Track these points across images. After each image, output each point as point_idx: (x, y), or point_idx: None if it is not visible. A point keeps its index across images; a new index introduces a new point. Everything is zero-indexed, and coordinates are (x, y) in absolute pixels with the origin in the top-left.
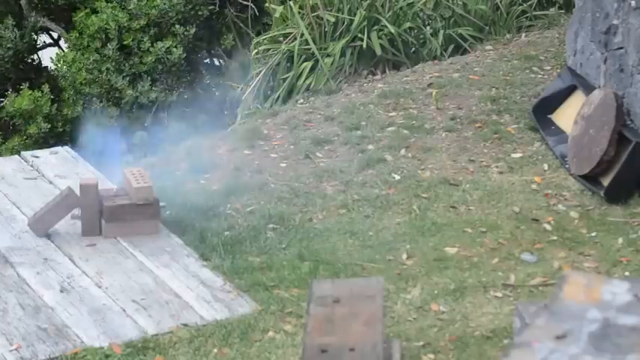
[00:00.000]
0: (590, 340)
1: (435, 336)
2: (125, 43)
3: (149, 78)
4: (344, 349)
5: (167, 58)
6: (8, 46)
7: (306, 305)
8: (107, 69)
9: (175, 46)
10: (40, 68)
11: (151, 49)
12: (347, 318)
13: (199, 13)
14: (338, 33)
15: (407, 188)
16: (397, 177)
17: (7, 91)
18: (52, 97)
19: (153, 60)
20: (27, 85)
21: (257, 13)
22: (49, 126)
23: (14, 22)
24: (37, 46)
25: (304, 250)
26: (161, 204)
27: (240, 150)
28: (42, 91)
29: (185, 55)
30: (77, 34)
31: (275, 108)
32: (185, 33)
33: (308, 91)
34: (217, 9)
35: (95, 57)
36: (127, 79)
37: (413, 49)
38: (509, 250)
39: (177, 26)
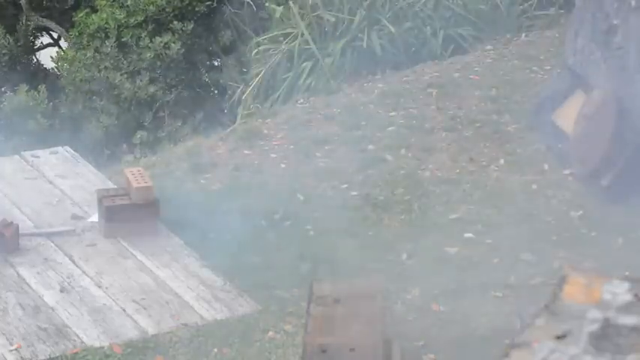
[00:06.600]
0: (590, 340)
1: (435, 336)
2: (123, 40)
3: (148, 74)
4: (344, 349)
5: (165, 54)
6: (3, 52)
7: (306, 305)
8: (105, 67)
9: (174, 42)
10: (38, 69)
11: (150, 44)
12: (347, 318)
13: (196, 8)
14: (338, 33)
15: (407, 188)
16: (397, 177)
17: (5, 93)
18: (50, 95)
19: (152, 56)
20: (25, 85)
21: (255, 9)
22: (49, 123)
23: (5, 31)
24: (36, 47)
25: (304, 250)
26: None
27: (240, 150)
28: (38, 91)
29: (183, 50)
30: (77, 33)
31: (275, 108)
32: (183, 29)
33: (308, 91)
34: (215, 4)
35: (94, 54)
36: (126, 75)
37: (413, 49)
38: (509, 250)
39: (175, 22)
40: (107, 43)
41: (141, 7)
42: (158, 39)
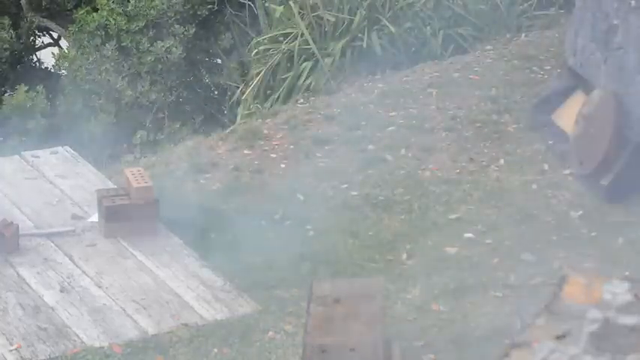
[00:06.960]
0: (590, 340)
1: (435, 336)
2: (124, 44)
3: (149, 78)
4: (344, 349)
5: (167, 58)
6: (5, 46)
7: (306, 305)
8: (106, 69)
9: (175, 46)
10: (38, 68)
11: (151, 48)
12: (347, 318)
13: (198, 12)
14: (338, 33)
15: (407, 188)
16: (397, 177)
17: (5, 92)
18: (50, 95)
19: (152, 60)
20: (24, 85)
21: (256, 12)
22: (49, 123)
23: (10, 23)
24: (36, 47)
25: (304, 250)
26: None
27: (240, 150)
28: (37, 92)
29: (185, 54)
30: (77, 29)
31: (275, 108)
32: (185, 33)
33: (308, 91)
34: (216, 8)
35: (95, 56)
36: (127, 79)
37: (413, 49)
38: (509, 250)
39: (176, 26)
40: (108, 46)
41: (142, 11)
42: (160, 43)
